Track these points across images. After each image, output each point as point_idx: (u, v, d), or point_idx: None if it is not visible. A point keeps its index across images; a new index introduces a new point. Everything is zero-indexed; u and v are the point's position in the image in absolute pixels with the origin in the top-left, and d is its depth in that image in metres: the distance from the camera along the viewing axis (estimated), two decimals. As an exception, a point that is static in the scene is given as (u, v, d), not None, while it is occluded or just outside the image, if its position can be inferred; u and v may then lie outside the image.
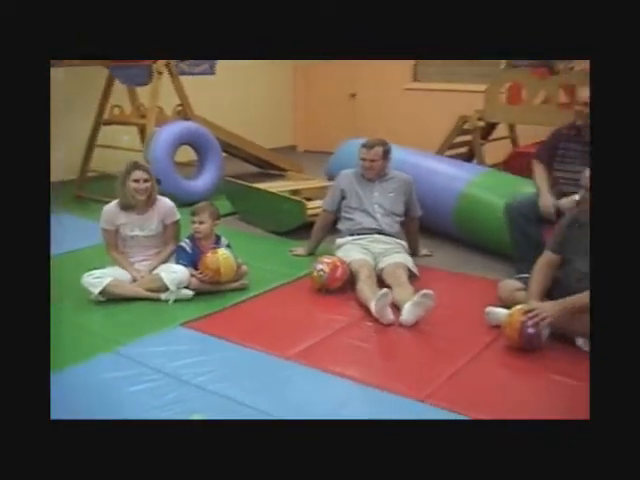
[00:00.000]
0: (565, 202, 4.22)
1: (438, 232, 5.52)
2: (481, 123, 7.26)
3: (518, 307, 3.57)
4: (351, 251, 4.51)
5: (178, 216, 4.44)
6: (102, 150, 7.17)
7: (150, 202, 4.33)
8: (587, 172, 3.59)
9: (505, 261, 4.81)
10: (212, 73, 9.09)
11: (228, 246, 4.41)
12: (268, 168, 8.38)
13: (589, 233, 3.56)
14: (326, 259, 4.37)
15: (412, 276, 4.38)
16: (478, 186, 5.31)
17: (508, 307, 3.69)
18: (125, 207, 4.29)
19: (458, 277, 4.72)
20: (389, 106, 9.56)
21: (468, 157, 7.45)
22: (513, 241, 4.51)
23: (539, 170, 4.57)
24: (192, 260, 4.28)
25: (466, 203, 5.25)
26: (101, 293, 4.04)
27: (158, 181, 4.41)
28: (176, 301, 4.11)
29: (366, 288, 4.09)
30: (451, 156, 7.12)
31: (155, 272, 4.23)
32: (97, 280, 4.05)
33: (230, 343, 3.59)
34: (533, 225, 4.40)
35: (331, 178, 5.76)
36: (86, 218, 5.56)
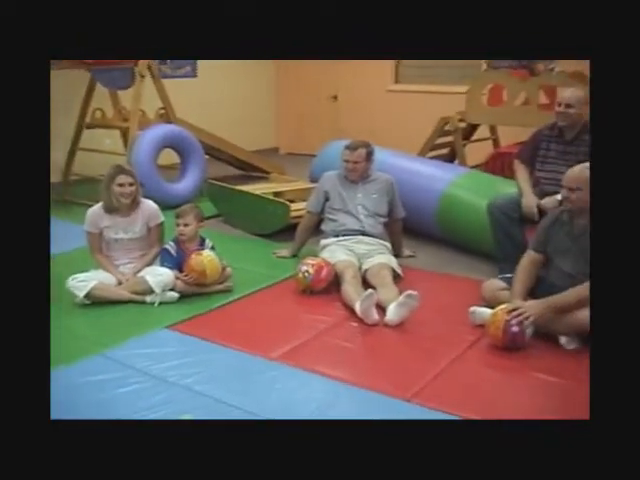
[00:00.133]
0: (547, 202, 4.26)
1: (421, 233, 5.55)
2: (462, 124, 7.31)
3: (502, 306, 3.60)
4: (336, 252, 4.53)
5: (162, 218, 4.44)
6: (84, 153, 7.15)
7: (134, 205, 4.32)
8: (568, 172, 3.64)
9: (488, 261, 4.85)
10: (194, 76, 9.13)
11: (212, 248, 4.41)
12: (250, 170, 8.38)
13: (571, 232, 3.63)
14: (311, 260, 4.38)
15: (396, 277, 4.41)
16: (460, 187, 5.34)
17: (492, 307, 3.73)
18: (109, 210, 4.28)
19: (442, 277, 4.75)
20: (371, 108, 9.61)
21: (450, 158, 7.50)
22: (496, 241, 4.55)
23: (521, 170, 4.61)
24: (177, 262, 4.29)
25: (448, 204, 5.28)
26: (86, 296, 4.04)
27: (141, 184, 4.40)
28: (161, 304, 4.11)
29: (351, 289, 4.11)
30: (433, 157, 7.16)
31: (140, 275, 4.22)
32: (82, 283, 4.04)
33: (216, 345, 3.60)
34: (516, 225, 4.44)
35: (314, 180, 5.77)
36: (70, 221, 5.54)
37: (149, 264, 4.36)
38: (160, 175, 6.61)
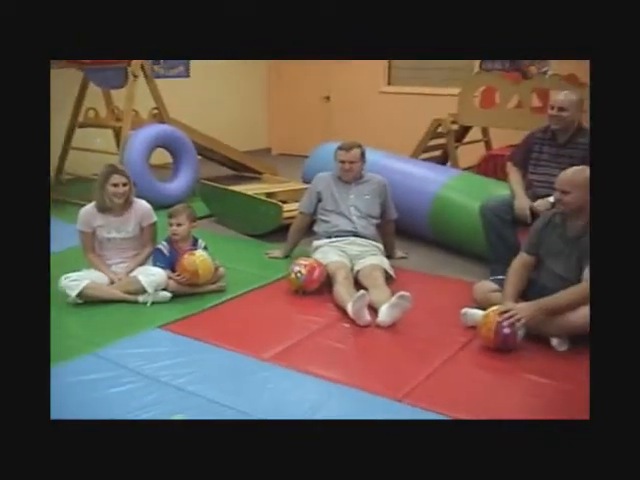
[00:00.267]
0: (540, 204, 4.28)
1: (413, 234, 5.56)
2: (455, 126, 7.34)
3: (494, 308, 3.62)
4: (328, 253, 4.53)
5: (155, 218, 4.44)
6: (76, 152, 7.14)
7: (127, 204, 4.32)
8: (561, 175, 3.65)
9: (480, 263, 4.86)
10: (187, 76, 9.12)
11: (205, 248, 4.42)
12: (243, 171, 8.38)
13: (564, 235, 3.65)
14: (303, 261, 4.39)
15: (388, 278, 4.42)
16: (452, 189, 5.36)
17: (484, 308, 3.74)
18: (102, 209, 4.28)
19: (434, 279, 4.77)
20: (363, 109, 9.62)
21: (442, 160, 7.53)
22: (488, 243, 4.56)
23: (513, 173, 4.63)
24: (170, 262, 4.29)
25: (441, 205, 5.30)
26: (78, 296, 4.03)
27: (134, 184, 4.40)
28: (154, 303, 4.11)
29: (343, 290, 4.12)
30: (425, 159, 7.18)
31: (133, 274, 4.22)
32: (74, 283, 4.03)
33: (208, 345, 3.60)
34: (508, 227, 4.45)
35: (307, 181, 5.78)
36: (62, 220, 5.52)
37: (142, 264, 4.35)
38: (153, 175, 6.61)
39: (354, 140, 4.95)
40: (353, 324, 3.86)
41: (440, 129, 7.24)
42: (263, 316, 4.05)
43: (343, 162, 4.77)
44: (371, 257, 4.55)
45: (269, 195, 6.07)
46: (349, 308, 3.89)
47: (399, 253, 5.19)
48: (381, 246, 4.81)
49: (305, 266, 4.32)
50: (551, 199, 4.05)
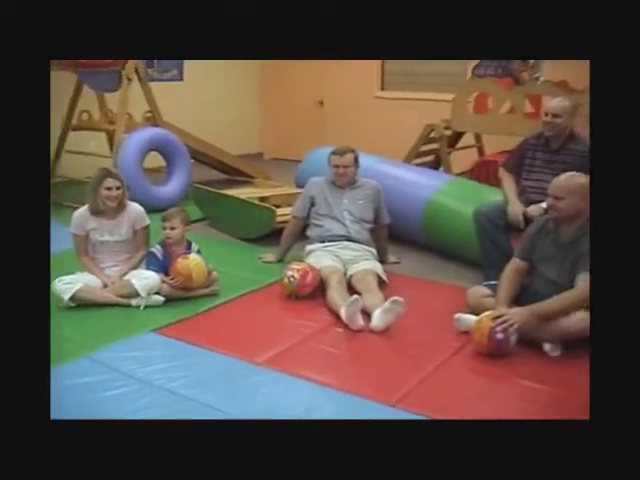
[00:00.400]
0: (533, 209, 4.30)
1: (406, 239, 5.57)
2: (448, 132, 7.36)
3: (487, 313, 3.62)
4: (321, 258, 4.54)
5: (148, 221, 4.44)
6: (70, 155, 7.12)
7: (120, 208, 4.32)
8: (554, 181, 3.67)
9: (472, 268, 4.88)
10: (180, 79, 9.12)
11: (199, 252, 4.42)
12: (235, 175, 8.39)
13: (557, 240, 3.67)
14: (296, 265, 4.39)
15: (381, 283, 4.42)
16: (445, 194, 5.37)
17: (477, 313, 3.74)
18: (95, 212, 4.27)
19: (427, 284, 4.78)
20: (357, 114, 9.63)
21: (435, 165, 7.55)
22: (482, 248, 4.57)
23: (507, 179, 4.65)
24: (163, 266, 4.28)
25: (434, 211, 5.31)
26: (72, 299, 4.02)
27: (127, 187, 4.40)
28: (147, 307, 4.10)
29: (336, 294, 4.12)
30: (418, 164, 7.20)
31: (126, 278, 4.21)
32: (67, 286, 4.03)
33: (201, 349, 3.60)
34: (502, 232, 4.47)
35: (300, 186, 5.79)
36: (55, 223, 5.50)
37: (135, 267, 4.35)
38: (146, 178, 6.60)
39: (347, 145, 4.96)
40: (346, 329, 3.87)
41: (433, 134, 7.26)
42: (256, 320, 4.05)
43: (337, 167, 4.78)
44: (364, 262, 4.55)
45: (262, 199, 6.06)
46: (342, 313, 3.89)
47: (392, 258, 5.20)
48: (374, 251, 4.81)
49: (298, 270, 4.33)
50: (544, 205, 4.07)
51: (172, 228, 4.31)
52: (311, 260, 4.57)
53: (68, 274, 4.13)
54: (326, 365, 3.48)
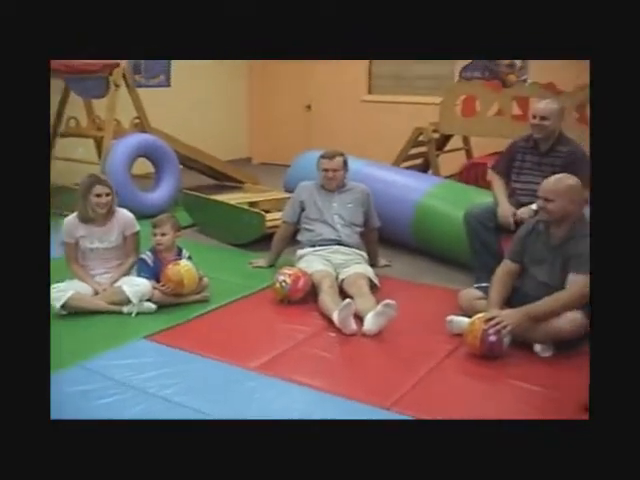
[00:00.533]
0: (523, 211, 4.32)
1: (396, 243, 5.58)
2: (436, 135, 7.38)
3: (479, 315, 3.63)
4: (313, 262, 4.54)
5: (138, 227, 4.43)
6: (57, 162, 7.08)
7: (110, 214, 4.30)
8: (544, 183, 3.69)
9: (463, 270, 4.89)
10: (168, 85, 9.11)
11: (189, 258, 4.41)
12: (224, 180, 8.37)
13: (547, 242, 3.68)
14: (288, 270, 4.39)
15: (373, 286, 4.42)
16: (435, 197, 5.39)
17: (469, 316, 3.76)
18: (85, 220, 4.25)
19: (418, 287, 4.78)
20: (345, 118, 9.63)
21: (423, 168, 7.56)
22: (472, 250, 4.58)
23: (496, 181, 4.67)
24: (154, 273, 4.27)
25: (423, 214, 5.32)
26: (63, 307, 4.00)
27: (116, 193, 4.39)
28: (138, 314, 4.09)
29: (328, 299, 4.12)
30: (407, 167, 7.21)
31: (117, 285, 4.20)
32: (59, 294, 4.00)
33: (194, 355, 3.58)
34: (492, 234, 4.48)
35: (289, 190, 5.79)
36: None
37: (126, 274, 4.34)
38: (134, 184, 6.58)
39: (336, 149, 4.97)
40: (339, 333, 3.87)
41: (421, 137, 7.28)
42: (248, 326, 4.04)
43: (326, 170, 4.78)
44: (355, 265, 4.56)
45: (252, 204, 6.07)
46: (335, 317, 3.89)
47: (382, 261, 5.21)
48: (365, 254, 4.82)
49: (290, 275, 4.32)
50: (534, 207, 4.08)
51: (163, 234, 4.30)
52: (302, 265, 4.57)
53: (58, 282, 4.10)
54: (319, 369, 3.48)
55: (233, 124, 10.36)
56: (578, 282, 3.51)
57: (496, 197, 4.57)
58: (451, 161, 7.60)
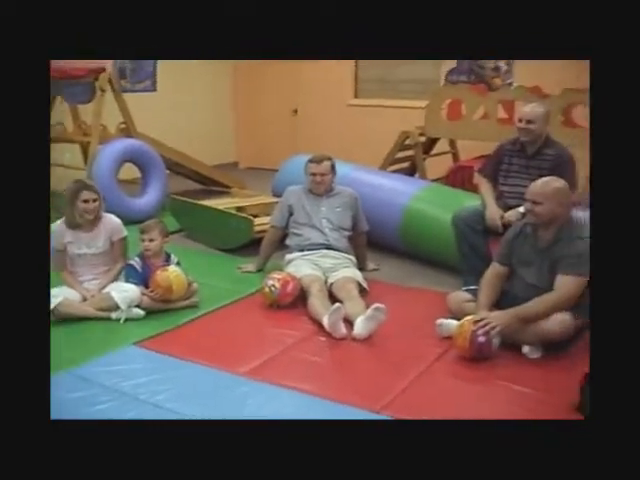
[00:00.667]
0: (510, 214, 4.34)
1: (384, 246, 5.58)
2: (422, 138, 7.40)
3: (468, 318, 3.65)
4: (301, 267, 4.54)
5: (125, 232, 4.42)
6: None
7: (96, 220, 4.29)
8: (532, 186, 3.71)
9: (452, 273, 4.90)
10: (154, 90, 9.09)
11: (178, 264, 4.40)
12: (211, 185, 8.36)
13: (535, 245, 3.70)
14: (277, 275, 4.39)
15: (362, 290, 4.43)
16: (422, 200, 5.41)
17: (458, 318, 3.77)
18: (72, 226, 4.24)
19: (407, 290, 4.79)
20: (331, 122, 9.62)
21: (410, 172, 7.58)
22: (460, 253, 4.60)
23: (484, 184, 4.69)
24: (143, 278, 4.26)
25: (410, 217, 5.33)
26: (52, 313, 3.98)
27: (102, 199, 4.37)
28: (127, 320, 4.07)
29: (318, 303, 4.12)
30: (394, 171, 7.23)
31: (105, 291, 4.18)
32: (47, 300, 3.98)
33: (184, 361, 3.57)
34: (480, 237, 4.50)
35: (277, 195, 5.79)
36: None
37: (114, 280, 4.32)
38: (121, 190, 6.56)
39: (323, 153, 4.97)
40: (329, 337, 3.87)
41: (408, 141, 7.29)
42: (238, 331, 4.03)
43: (314, 175, 4.78)
44: (344, 269, 4.56)
45: (239, 209, 6.06)
46: (325, 321, 3.89)
47: (371, 265, 5.21)
48: (353, 258, 4.82)
49: (279, 280, 4.32)
50: (521, 209, 4.11)
51: (151, 240, 4.29)
52: (291, 269, 4.57)
53: (47, 288, 4.08)
54: (310, 374, 3.48)
55: (220, 129, 10.34)
56: (566, 283, 3.54)
57: (484, 200, 4.60)
58: (438, 164, 7.62)
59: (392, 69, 9.10)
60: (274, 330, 4.02)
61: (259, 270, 5.04)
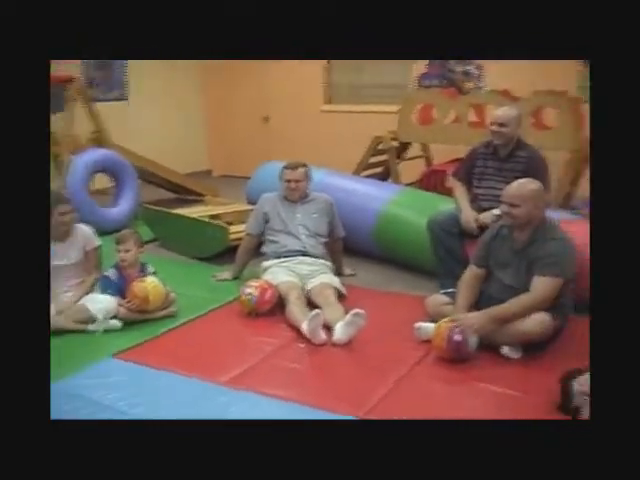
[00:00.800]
0: (485, 216, 4.37)
1: (359, 251, 5.59)
2: (395, 143, 7.43)
3: (445, 319, 3.67)
4: (278, 274, 4.53)
5: (98, 242, 4.38)
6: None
7: (70, 230, 4.25)
8: (507, 188, 3.73)
9: (428, 277, 4.92)
10: (124, 99, 9.03)
11: (154, 274, 4.37)
12: (184, 193, 8.32)
13: (512, 246, 3.73)
14: (254, 282, 4.37)
15: (340, 296, 4.43)
16: (396, 204, 5.42)
17: (436, 322, 3.78)
18: (46, 238, 4.19)
19: (385, 295, 4.80)
20: (304, 128, 9.62)
21: (384, 177, 7.60)
22: (437, 257, 4.62)
23: (458, 187, 4.72)
24: (119, 289, 4.22)
25: (385, 222, 5.35)
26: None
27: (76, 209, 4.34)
28: (105, 332, 4.03)
29: (296, 310, 4.11)
30: (367, 176, 7.24)
31: (80, 303, 4.14)
32: (22, 314, 3.94)
33: (164, 372, 3.54)
34: (456, 240, 4.53)
35: (252, 202, 5.77)
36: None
37: (88, 292, 4.27)
38: (93, 200, 6.51)
39: (297, 159, 4.97)
40: (308, 343, 3.86)
41: (381, 146, 7.32)
42: (217, 340, 4.01)
43: (289, 181, 4.78)
44: (321, 276, 4.56)
45: (214, 217, 6.02)
46: (304, 327, 3.89)
47: (347, 270, 5.22)
48: (331, 264, 4.82)
49: (256, 288, 4.31)
50: (496, 211, 4.14)
51: (127, 250, 4.26)
52: (268, 276, 4.55)
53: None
54: (290, 381, 3.47)
55: (192, 136, 10.29)
56: (542, 284, 3.57)
57: (458, 203, 4.62)
58: (411, 169, 7.64)
59: (364, 74, 9.13)
60: (253, 338, 4.01)
61: (235, 278, 5.02)
